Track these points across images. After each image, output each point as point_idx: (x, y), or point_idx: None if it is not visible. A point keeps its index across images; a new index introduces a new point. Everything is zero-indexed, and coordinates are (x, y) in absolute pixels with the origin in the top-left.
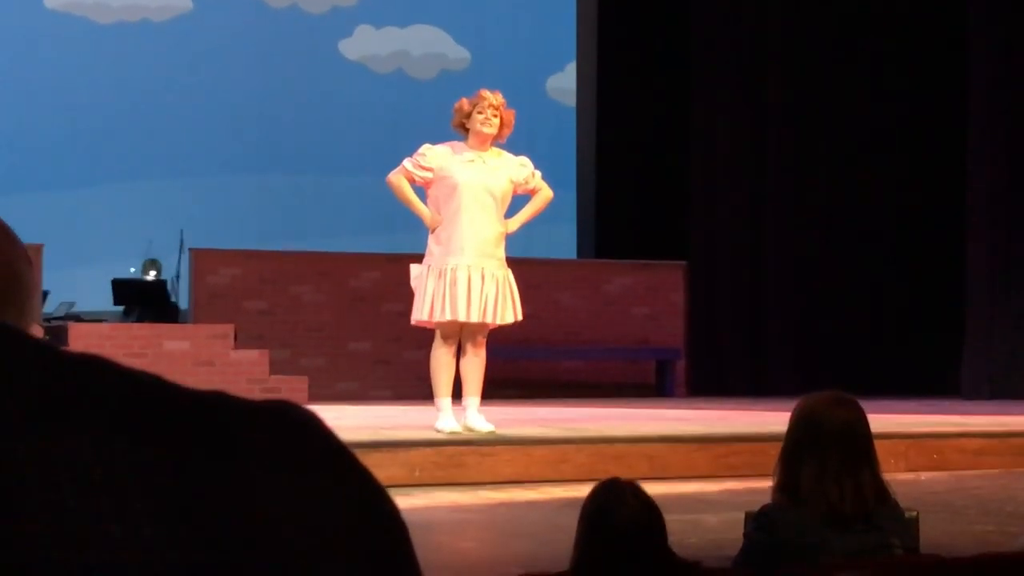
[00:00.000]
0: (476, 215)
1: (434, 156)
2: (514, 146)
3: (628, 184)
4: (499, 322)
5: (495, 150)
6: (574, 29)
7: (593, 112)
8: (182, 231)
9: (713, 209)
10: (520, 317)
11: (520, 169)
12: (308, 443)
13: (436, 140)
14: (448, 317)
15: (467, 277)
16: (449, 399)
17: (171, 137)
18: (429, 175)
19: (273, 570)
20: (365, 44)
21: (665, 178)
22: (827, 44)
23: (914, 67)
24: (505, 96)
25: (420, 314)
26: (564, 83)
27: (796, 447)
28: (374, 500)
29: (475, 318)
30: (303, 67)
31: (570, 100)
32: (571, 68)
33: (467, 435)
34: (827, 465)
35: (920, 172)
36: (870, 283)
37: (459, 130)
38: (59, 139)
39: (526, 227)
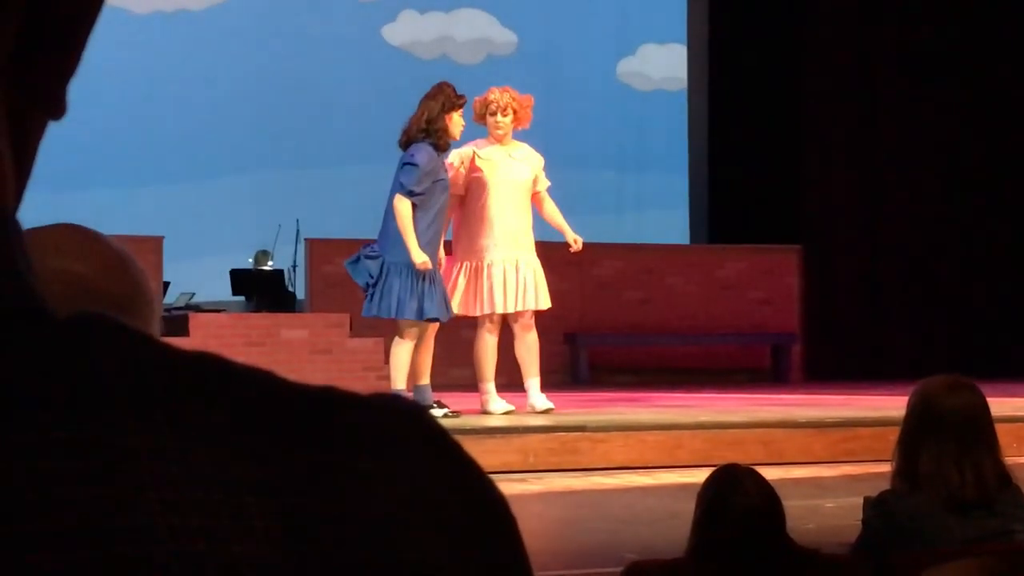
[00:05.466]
0: (505, 208)
1: (460, 157)
2: (604, 134)
3: (741, 168)
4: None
5: (515, 142)
6: (640, 12)
7: (705, 96)
8: (298, 221)
9: (827, 192)
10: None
11: (539, 165)
12: (413, 432)
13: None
14: (487, 310)
15: (502, 271)
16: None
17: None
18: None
19: (385, 558)
20: (409, 30)
21: (778, 162)
22: (941, 27)
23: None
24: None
25: (463, 309)
26: (636, 67)
27: (914, 432)
28: (479, 487)
29: (511, 308)
30: (348, 54)
31: (643, 84)
32: (643, 51)
33: (582, 420)
34: (946, 450)
35: None
36: (990, 264)
37: (481, 123)
38: (170, 134)
39: (638, 214)
